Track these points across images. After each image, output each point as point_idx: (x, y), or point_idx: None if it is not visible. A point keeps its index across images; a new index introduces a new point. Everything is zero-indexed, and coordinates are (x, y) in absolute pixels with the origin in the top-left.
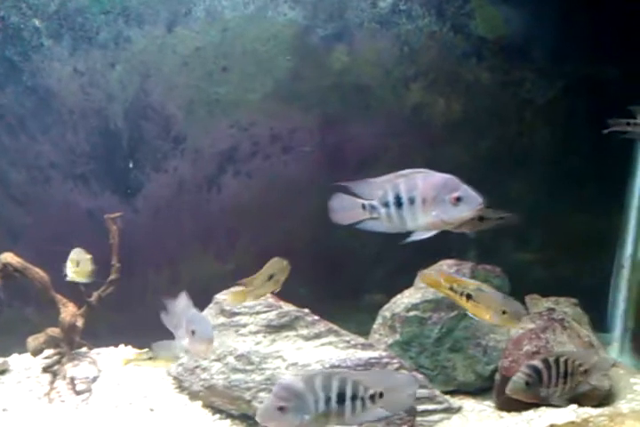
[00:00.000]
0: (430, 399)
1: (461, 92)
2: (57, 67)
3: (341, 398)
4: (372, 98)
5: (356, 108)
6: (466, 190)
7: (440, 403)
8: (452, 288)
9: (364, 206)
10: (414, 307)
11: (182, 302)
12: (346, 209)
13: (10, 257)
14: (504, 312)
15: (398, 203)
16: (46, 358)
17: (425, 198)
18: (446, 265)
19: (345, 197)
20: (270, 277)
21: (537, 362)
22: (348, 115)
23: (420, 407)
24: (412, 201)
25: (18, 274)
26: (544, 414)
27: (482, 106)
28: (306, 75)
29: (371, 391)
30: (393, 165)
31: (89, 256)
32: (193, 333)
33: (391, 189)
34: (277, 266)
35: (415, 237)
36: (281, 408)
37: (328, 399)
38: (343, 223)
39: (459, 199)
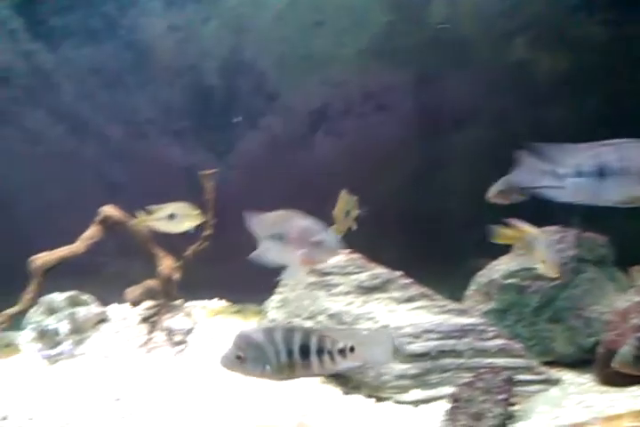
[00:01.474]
0: (528, 369)
1: (569, 48)
2: (153, 22)
3: (305, 351)
4: (472, 53)
5: (454, 64)
6: None
7: (538, 374)
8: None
9: (551, 173)
10: (512, 274)
11: (285, 214)
12: (530, 171)
13: (111, 210)
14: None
15: (599, 173)
16: (147, 309)
17: None
18: (549, 232)
19: (533, 159)
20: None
21: None
22: (445, 71)
23: (518, 377)
24: (621, 172)
25: (118, 227)
26: None
27: (591, 62)
28: (402, 29)
29: (340, 345)
30: (492, 126)
31: (195, 212)
32: (317, 243)
33: (593, 158)
34: (350, 201)
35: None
36: (239, 357)
37: (290, 352)
38: (523, 186)
39: None
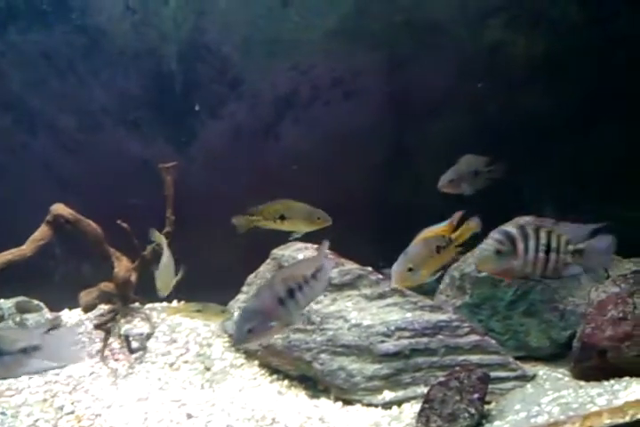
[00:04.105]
0: (503, 366)
1: (545, 30)
2: (108, 4)
3: None
4: (445, 36)
5: (427, 47)
6: None
7: (513, 370)
8: None
9: None
10: None
11: None
12: None
13: (61, 208)
14: None
15: None
16: (100, 315)
17: None
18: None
19: None
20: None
21: (512, 228)
22: (418, 55)
23: (492, 374)
24: None
25: (69, 226)
26: (630, 386)
27: (568, 45)
28: (373, 10)
29: (21, 345)
30: (466, 112)
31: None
32: None
33: None
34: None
35: None
36: None
37: None
38: None
39: None
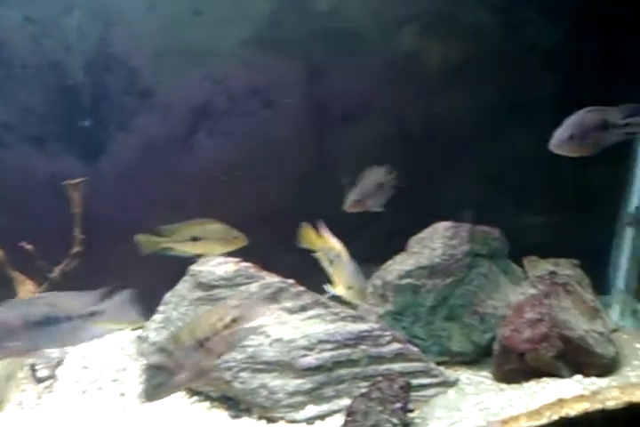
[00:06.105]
0: (425, 373)
1: (459, 37)
2: (5, 14)
3: None
4: (361, 44)
5: (343, 55)
6: None
7: (435, 376)
8: None
9: None
10: (407, 274)
11: None
12: None
13: None
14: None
15: None
16: None
17: None
18: (442, 228)
19: None
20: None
21: (157, 359)
22: (334, 63)
23: (415, 382)
24: None
25: None
26: (547, 386)
27: (481, 51)
28: (288, 18)
29: None
30: (384, 119)
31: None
32: None
33: None
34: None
35: None
36: None
37: None
38: None
39: None
